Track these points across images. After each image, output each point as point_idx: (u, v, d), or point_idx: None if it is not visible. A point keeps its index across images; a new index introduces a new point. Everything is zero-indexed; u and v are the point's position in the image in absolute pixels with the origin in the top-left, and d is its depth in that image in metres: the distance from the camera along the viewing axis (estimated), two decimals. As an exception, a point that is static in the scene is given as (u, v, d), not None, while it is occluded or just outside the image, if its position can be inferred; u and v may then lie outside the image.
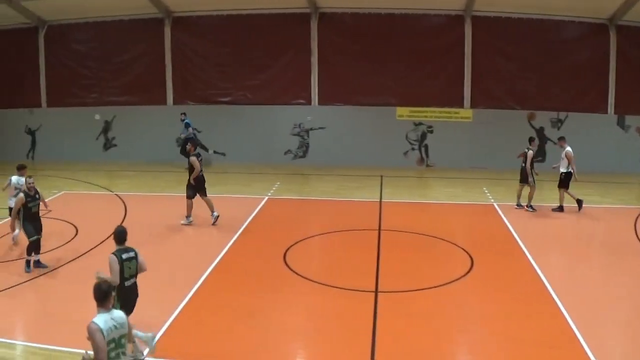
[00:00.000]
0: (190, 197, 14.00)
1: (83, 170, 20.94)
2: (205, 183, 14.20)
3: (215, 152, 22.33)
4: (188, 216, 14.13)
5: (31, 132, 23.51)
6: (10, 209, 11.98)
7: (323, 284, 10.45)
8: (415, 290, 10.13)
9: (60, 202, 17.02)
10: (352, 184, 18.07)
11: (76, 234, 13.83)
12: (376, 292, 10.00)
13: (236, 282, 10.87)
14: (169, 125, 22.45)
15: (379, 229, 13.73)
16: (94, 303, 9.89)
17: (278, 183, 18.88)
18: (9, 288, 10.53)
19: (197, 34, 22.19)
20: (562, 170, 15.27)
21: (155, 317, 9.22)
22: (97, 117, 22.17)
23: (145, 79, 22.62)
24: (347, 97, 21.45)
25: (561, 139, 15.58)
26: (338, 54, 21.37)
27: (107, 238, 13.39)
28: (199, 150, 15.63)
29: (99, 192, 17.44)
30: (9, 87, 23.65)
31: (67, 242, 13.15)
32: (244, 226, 14.13)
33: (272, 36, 21.55)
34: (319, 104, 21.72)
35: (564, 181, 15.31)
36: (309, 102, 21.76)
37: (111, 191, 18.34)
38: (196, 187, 13.98)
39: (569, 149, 15.19)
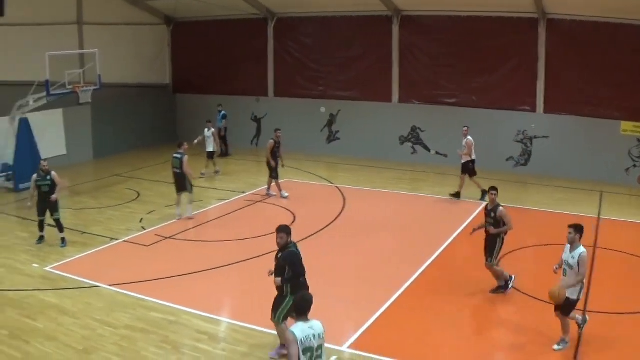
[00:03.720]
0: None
1: (304, 160, 21.88)
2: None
3: (437, 152, 22.45)
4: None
5: (257, 120, 24.68)
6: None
7: (530, 296, 10.63)
8: (624, 313, 9.88)
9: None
10: (569, 196, 17.52)
11: (293, 221, 14.73)
12: (584, 311, 9.81)
13: (442, 286, 11.17)
14: (393, 123, 22.85)
15: (594, 247, 13.23)
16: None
17: (496, 189, 19.21)
18: (217, 268, 11.55)
19: (425, 33, 22.16)
20: (467, 158, 16.98)
21: (361, 312, 9.82)
22: (323, 109, 22.94)
23: (371, 76, 23.03)
24: (572, 107, 20.52)
25: (466, 127, 17.21)
26: (565, 61, 20.38)
27: (323, 228, 14.48)
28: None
29: (319, 182, 18.16)
30: (239, 74, 25.08)
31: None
32: (458, 231, 14.45)
33: (498, 39, 21.05)
34: (544, 112, 21.01)
35: (466, 168, 17.14)
36: (533, 109, 21.10)
37: (331, 183, 19.23)
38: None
39: (470, 138, 16.92)
